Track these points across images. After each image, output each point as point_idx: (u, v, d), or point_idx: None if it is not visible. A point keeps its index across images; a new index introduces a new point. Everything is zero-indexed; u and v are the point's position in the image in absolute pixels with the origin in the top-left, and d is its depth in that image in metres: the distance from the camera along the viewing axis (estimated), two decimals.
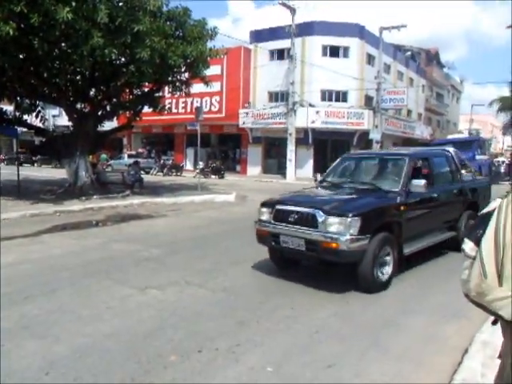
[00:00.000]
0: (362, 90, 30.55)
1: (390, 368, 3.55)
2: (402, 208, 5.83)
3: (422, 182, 5.95)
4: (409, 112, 38.55)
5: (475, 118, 54.00)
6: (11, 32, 10.21)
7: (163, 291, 5.31)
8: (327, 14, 68.74)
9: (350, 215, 5.12)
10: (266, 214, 6.06)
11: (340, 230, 5.12)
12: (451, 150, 8.12)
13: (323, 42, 30.02)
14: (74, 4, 10.97)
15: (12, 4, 10.28)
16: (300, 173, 28.38)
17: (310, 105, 28.94)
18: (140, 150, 35.88)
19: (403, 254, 5.85)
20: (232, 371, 3.44)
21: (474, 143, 23.97)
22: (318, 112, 28.65)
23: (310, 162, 29.91)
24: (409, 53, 39.78)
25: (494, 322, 1.84)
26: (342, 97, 30.52)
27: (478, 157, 22.51)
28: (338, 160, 7.79)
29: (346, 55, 30.61)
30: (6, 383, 3.24)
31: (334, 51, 30.44)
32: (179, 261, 6.87)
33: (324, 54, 30.24)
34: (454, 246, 6.97)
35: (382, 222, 5.58)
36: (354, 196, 6.06)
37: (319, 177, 7.73)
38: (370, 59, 31.87)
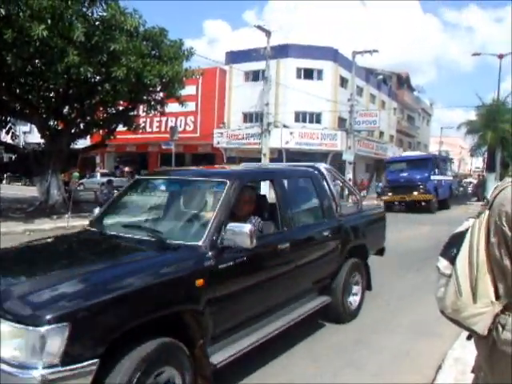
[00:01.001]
0: (336, 111, 31.21)
1: None
2: (198, 283, 3.02)
3: (246, 227, 3.21)
4: (381, 134, 39.44)
5: (445, 140, 55.51)
6: None
7: None
8: (302, 38, 70.28)
9: (47, 319, 2.26)
10: None
11: (24, 355, 2.26)
12: (322, 167, 5.35)
13: (298, 64, 30.67)
14: (49, 21, 10.95)
15: None
16: None
17: (284, 126, 29.34)
18: (127, 169, 35.24)
19: (211, 368, 3.08)
20: None
21: (429, 161, 21.43)
22: (291, 133, 29.07)
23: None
24: (381, 76, 40.88)
25: (469, 337, 1.90)
26: (315, 118, 31.12)
27: (434, 177, 20.62)
28: (130, 183, 4.93)
29: (319, 77, 31.31)
30: None
31: (308, 73, 31.13)
32: None
33: (298, 76, 30.87)
34: (330, 315, 4.93)
35: (144, 320, 2.67)
36: (94, 262, 3.23)
37: (97, 211, 4.48)
38: (343, 82, 32.65)
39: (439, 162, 23.20)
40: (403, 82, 47.52)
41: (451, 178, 25.04)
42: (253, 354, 3.49)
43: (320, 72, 31.26)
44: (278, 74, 30.02)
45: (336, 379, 3.67)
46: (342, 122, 32.01)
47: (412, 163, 21.40)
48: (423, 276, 7.09)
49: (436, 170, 21.38)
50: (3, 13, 10.43)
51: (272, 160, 28.33)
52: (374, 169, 36.47)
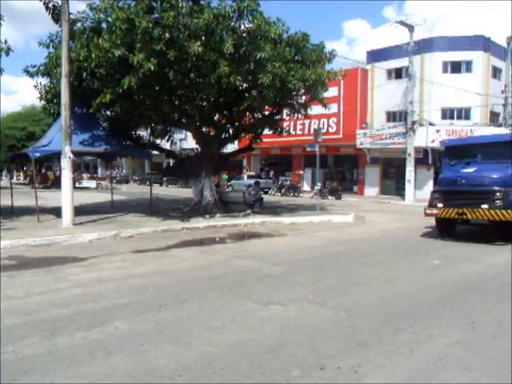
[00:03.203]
0: (487, 105, 28.62)
1: None
2: None
3: None
4: None
5: None
6: (152, 68, 11.49)
7: (285, 308, 5.48)
8: (448, 29, 65.56)
9: None
10: None
11: None
12: None
13: (443, 57, 28.81)
14: (203, 38, 11.98)
15: (154, 44, 11.59)
16: (419, 194, 27.19)
17: (430, 124, 27.77)
18: (301, 172, 35.67)
19: None
20: None
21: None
22: (438, 131, 27.34)
23: (430, 183, 28.54)
24: None
25: None
26: (464, 114, 28.86)
27: None
28: None
29: (468, 70, 29.01)
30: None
31: (455, 67, 29.06)
32: (300, 279, 7.00)
33: (445, 70, 28.99)
34: None
35: None
36: None
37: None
38: (496, 72, 29.84)
39: None
40: None
41: None
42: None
43: (469, 64, 28.93)
44: (423, 70, 28.54)
45: None
46: (494, 116, 29.26)
47: (486, 150, 11.71)
48: None
49: None
50: (168, 36, 11.72)
51: (417, 160, 27.09)
52: None
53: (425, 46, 28.02)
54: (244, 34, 13.41)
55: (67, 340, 4.42)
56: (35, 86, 15.03)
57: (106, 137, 15.23)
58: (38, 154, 13.88)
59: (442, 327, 4.83)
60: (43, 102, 15.85)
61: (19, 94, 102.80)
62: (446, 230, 12.15)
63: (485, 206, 10.46)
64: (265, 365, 3.87)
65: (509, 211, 10.10)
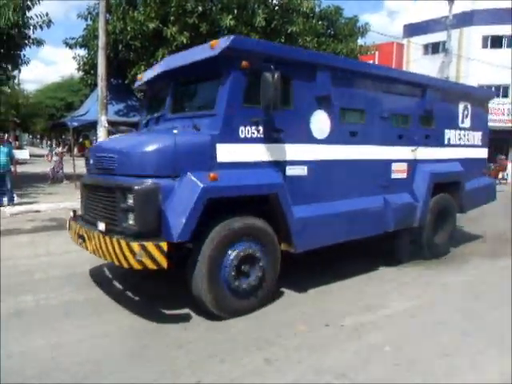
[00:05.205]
0: None
1: (508, 369, 3.45)
2: None
3: None
4: None
5: None
6: (185, 41, 11.79)
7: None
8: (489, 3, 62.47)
9: None
10: None
11: None
12: None
13: (484, 32, 27.77)
14: (235, 11, 12.17)
15: (187, 17, 11.85)
16: None
17: None
18: None
19: None
20: (352, 346, 3.81)
21: (226, 77, 4.36)
22: None
23: None
24: None
25: None
26: (502, 92, 27.79)
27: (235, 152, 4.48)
28: None
29: (510, 45, 27.88)
30: None
31: (495, 41, 28.00)
32: None
33: (484, 45, 28.00)
34: None
35: None
36: None
37: None
38: None
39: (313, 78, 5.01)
40: None
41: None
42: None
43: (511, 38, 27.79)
44: (461, 45, 27.73)
45: (481, 355, 3.66)
46: None
47: (182, 87, 5.16)
48: None
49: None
50: (200, 9, 11.96)
51: None
52: None
53: (464, 19, 27.12)
54: (276, 8, 13.50)
55: (99, 292, 4.98)
56: (74, 57, 15.60)
57: (140, 107, 15.68)
58: (75, 124, 14.50)
59: (444, 295, 5.08)
60: (81, 73, 16.43)
61: (59, 65, 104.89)
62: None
63: (101, 227, 4.36)
64: (275, 320, 4.30)
65: (136, 244, 3.85)
